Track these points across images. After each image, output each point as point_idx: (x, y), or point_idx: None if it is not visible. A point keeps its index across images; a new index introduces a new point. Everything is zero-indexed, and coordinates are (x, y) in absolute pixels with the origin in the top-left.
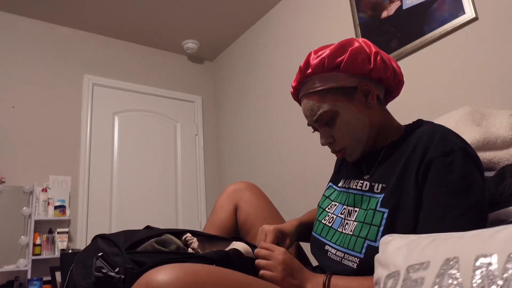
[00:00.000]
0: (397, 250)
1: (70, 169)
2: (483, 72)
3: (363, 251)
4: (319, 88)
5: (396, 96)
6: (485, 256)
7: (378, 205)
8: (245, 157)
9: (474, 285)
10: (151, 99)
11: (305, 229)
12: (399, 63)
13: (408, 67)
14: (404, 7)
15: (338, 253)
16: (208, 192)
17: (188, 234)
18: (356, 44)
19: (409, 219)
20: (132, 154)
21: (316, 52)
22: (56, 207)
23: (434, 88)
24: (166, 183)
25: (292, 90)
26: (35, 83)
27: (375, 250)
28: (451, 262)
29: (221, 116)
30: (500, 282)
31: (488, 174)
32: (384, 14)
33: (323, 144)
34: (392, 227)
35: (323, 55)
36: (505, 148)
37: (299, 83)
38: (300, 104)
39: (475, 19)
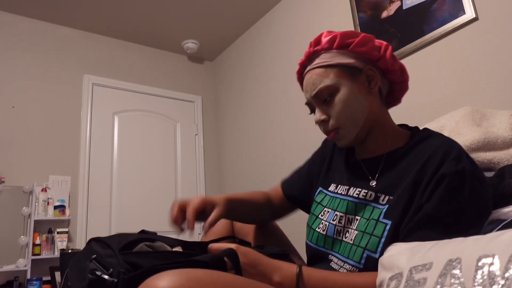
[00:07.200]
0: (400, 253)
1: (70, 169)
2: (483, 72)
3: (362, 261)
4: (325, 63)
5: (398, 101)
6: (487, 256)
7: (381, 216)
8: (245, 157)
9: (476, 284)
10: (151, 99)
11: (237, 207)
12: None
13: (408, 67)
14: (404, 7)
15: (339, 262)
16: (208, 192)
17: (179, 248)
18: (369, 36)
19: None
20: (132, 154)
21: (329, 32)
22: (55, 207)
23: (434, 88)
24: (166, 183)
25: (299, 67)
26: (35, 83)
27: (375, 261)
28: (454, 263)
29: (221, 116)
30: (501, 282)
31: (488, 174)
32: (384, 14)
33: (317, 121)
34: (394, 240)
35: (335, 33)
36: (505, 148)
37: (307, 59)
38: (302, 84)
39: (475, 19)
